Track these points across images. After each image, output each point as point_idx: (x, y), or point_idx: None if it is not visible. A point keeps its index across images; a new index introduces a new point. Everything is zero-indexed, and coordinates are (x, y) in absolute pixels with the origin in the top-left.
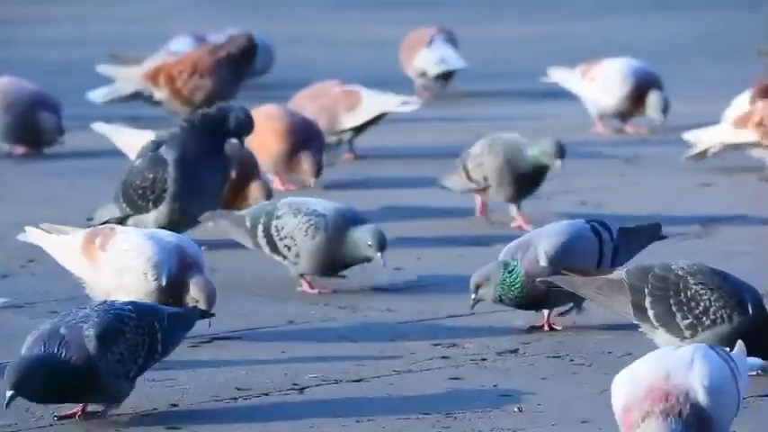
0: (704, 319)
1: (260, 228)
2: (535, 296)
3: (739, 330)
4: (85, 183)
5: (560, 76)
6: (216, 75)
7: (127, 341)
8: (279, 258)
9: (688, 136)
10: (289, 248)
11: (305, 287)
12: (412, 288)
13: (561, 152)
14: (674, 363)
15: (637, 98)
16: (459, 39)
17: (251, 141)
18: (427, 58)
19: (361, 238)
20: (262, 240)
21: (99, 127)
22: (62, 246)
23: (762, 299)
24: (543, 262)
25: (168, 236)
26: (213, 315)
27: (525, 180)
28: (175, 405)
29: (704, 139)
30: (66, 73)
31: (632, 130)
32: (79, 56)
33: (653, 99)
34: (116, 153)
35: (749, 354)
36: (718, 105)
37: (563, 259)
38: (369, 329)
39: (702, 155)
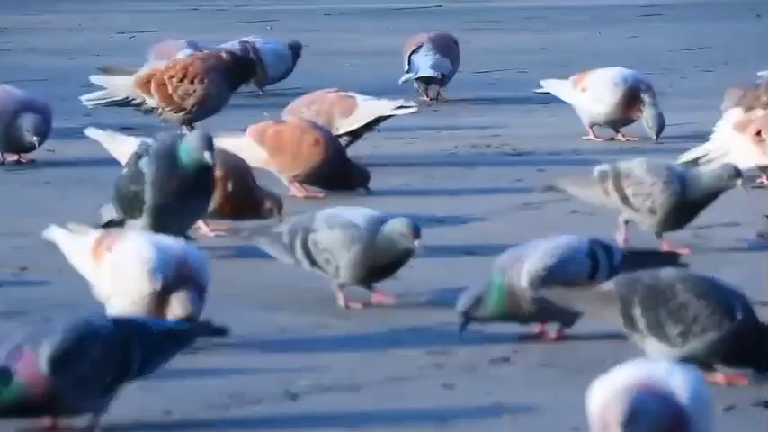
0: (694, 326)
1: (298, 243)
2: (517, 312)
3: (729, 337)
4: (75, 191)
5: (553, 86)
6: (207, 81)
7: (91, 359)
8: (320, 272)
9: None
10: (328, 262)
11: (340, 300)
12: (404, 296)
13: (739, 173)
14: (654, 370)
15: (628, 104)
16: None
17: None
18: (407, 67)
19: (394, 231)
20: (301, 256)
21: (92, 133)
22: (76, 246)
23: (751, 305)
24: (524, 282)
25: (173, 244)
26: (227, 332)
27: (695, 209)
28: (168, 413)
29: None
30: (57, 81)
31: (624, 138)
32: (70, 65)
33: (648, 115)
34: (106, 162)
35: (741, 362)
36: (708, 116)
37: (545, 283)
38: (361, 337)
39: (695, 162)
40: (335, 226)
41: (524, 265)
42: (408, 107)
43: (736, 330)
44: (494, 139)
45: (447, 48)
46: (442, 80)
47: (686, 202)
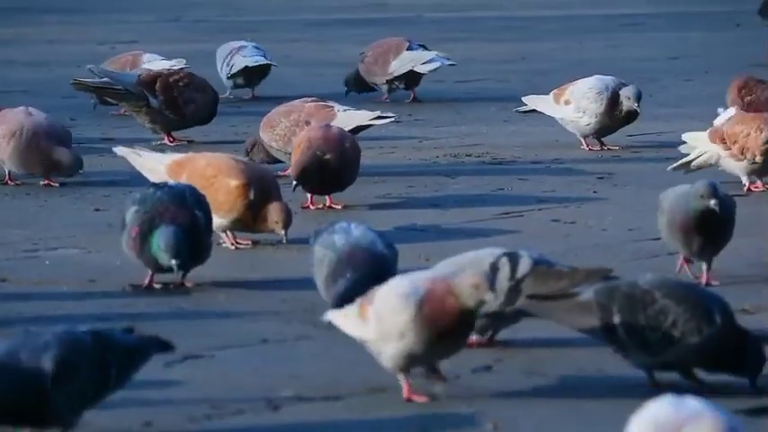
0: (673, 332)
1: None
2: None
3: (709, 342)
4: (56, 203)
5: (535, 102)
6: (205, 93)
7: (80, 374)
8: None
9: (686, 137)
10: (315, 278)
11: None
12: None
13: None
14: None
15: (613, 110)
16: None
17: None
18: (415, 58)
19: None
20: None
21: (120, 150)
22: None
23: (730, 309)
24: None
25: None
26: (173, 348)
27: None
28: (149, 425)
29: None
30: (38, 93)
31: (605, 147)
32: (50, 76)
33: (625, 91)
34: (87, 173)
35: (721, 367)
36: (688, 124)
37: None
38: (343, 347)
39: (687, 165)
40: (324, 245)
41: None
42: (387, 117)
43: (715, 335)
44: (474, 148)
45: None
46: (417, 81)
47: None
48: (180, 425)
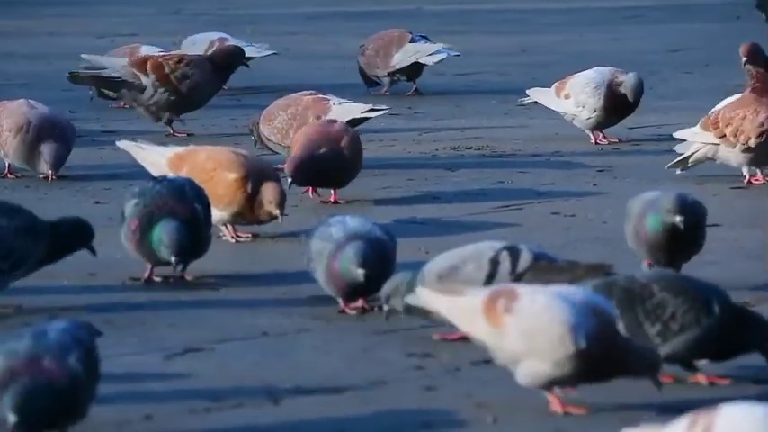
0: (672, 324)
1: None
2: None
3: (709, 332)
4: (56, 195)
5: (538, 96)
6: (203, 69)
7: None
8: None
9: (678, 134)
10: (315, 272)
11: (341, 305)
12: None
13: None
14: None
15: (613, 106)
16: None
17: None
18: (420, 49)
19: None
20: (310, 263)
21: (123, 144)
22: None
23: (729, 298)
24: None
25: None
26: (100, 333)
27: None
28: (149, 418)
29: (687, 143)
30: (37, 86)
31: (605, 140)
32: (50, 69)
33: (627, 82)
34: (84, 166)
35: (728, 353)
36: (688, 117)
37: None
38: (343, 340)
39: (685, 162)
40: (321, 237)
41: (433, 268)
42: (379, 110)
43: (715, 325)
44: (474, 141)
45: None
46: (419, 73)
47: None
48: (180, 418)
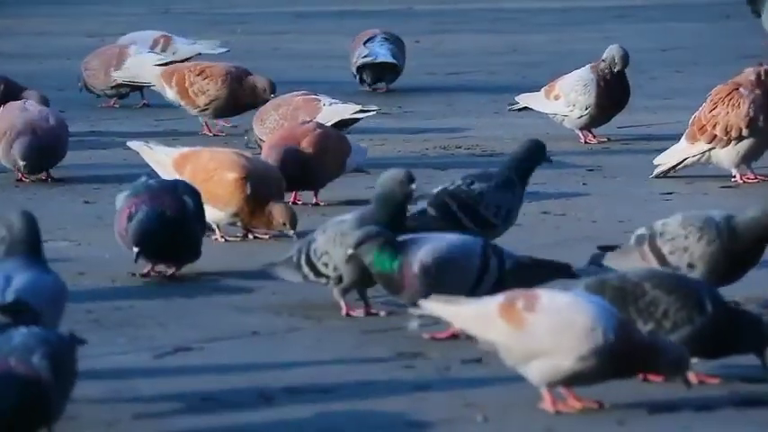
0: (665, 322)
1: (303, 258)
2: (391, 287)
3: (701, 330)
4: (45, 194)
5: (528, 100)
6: (223, 85)
7: (71, 369)
8: (323, 281)
9: (658, 161)
10: (327, 265)
11: (342, 309)
12: (376, 298)
13: None
14: None
15: (606, 95)
16: (421, 48)
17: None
18: (360, 53)
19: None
20: (306, 270)
21: (132, 144)
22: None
23: (720, 296)
24: (416, 270)
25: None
26: (84, 342)
27: (742, 259)
28: (139, 417)
29: (670, 158)
30: (27, 85)
31: (594, 139)
32: (39, 68)
33: (609, 53)
34: (78, 166)
35: (722, 351)
36: (678, 116)
37: (436, 275)
38: (334, 340)
39: (672, 169)
40: (328, 228)
41: (418, 254)
42: (369, 110)
43: (707, 323)
44: (464, 140)
45: (400, 42)
46: (396, 72)
47: (728, 251)
48: (170, 417)
